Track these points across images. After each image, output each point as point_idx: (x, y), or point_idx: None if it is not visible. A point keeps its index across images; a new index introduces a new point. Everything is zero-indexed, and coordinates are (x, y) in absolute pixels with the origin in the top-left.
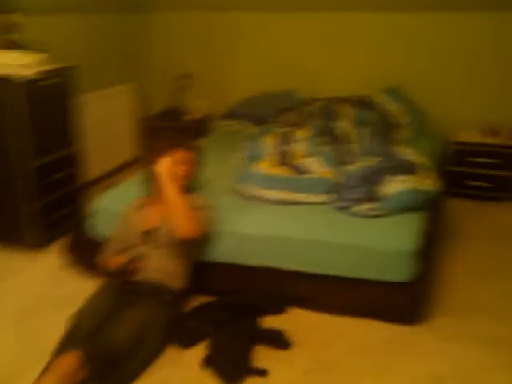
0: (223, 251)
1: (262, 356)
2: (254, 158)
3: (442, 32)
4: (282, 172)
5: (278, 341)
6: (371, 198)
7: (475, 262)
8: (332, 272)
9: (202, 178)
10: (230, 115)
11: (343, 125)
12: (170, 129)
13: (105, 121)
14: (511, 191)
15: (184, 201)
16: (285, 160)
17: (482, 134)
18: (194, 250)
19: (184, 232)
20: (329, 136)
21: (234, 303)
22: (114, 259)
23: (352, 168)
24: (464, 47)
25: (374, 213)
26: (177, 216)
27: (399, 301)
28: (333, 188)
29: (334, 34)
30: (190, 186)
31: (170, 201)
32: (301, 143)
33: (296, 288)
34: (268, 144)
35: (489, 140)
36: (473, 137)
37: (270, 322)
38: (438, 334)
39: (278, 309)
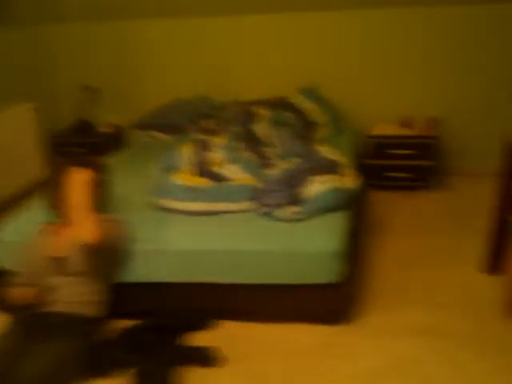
0: (143, 270)
1: (192, 377)
2: (171, 169)
3: (352, 29)
4: (200, 182)
5: (207, 359)
6: (294, 202)
7: (401, 253)
8: (259, 280)
9: (112, 196)
10: (143, 126)
11: (261, 128)
12: (81, 144)
13: (4, 143)
14: (429, 180)
15: (90, 209)
16: (203, 169)
17: (396, 126)
18: (108, 274)
19: (88, 237)
20: (247, 141)
21: (158, 325)
22: (19, 291)
23: (272, 172)
24: (375, 43)
25: (297, 216)
26: (81, 221)
27: (329, 302)
28: (254, 194)
29: (247, 36)
30: (98, 206)
31: (75, 206)
32: (219, 150)
33: (224, 300)
34: (184, 153)
35: (403, 132)
36: (388, 129)
37: (200, 339)
38: (370, 330)
39: (205, 324)
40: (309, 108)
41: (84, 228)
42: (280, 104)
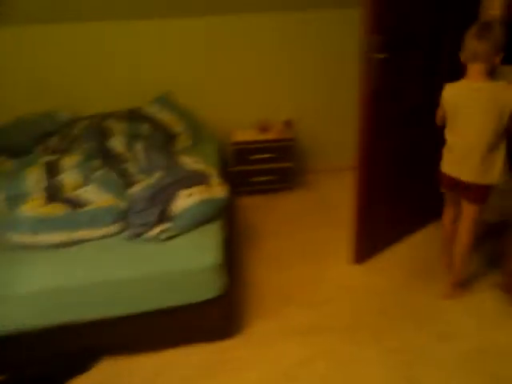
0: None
1: None
2: (17, 198)
3: (204, 36)
4: (54, 210)
5: None
6: (163, 219)
7: (276, 255)
8: (137, 309)
9: None
10: None
11: (117, 143)
12: None
13: None
14: (291, 181)
15: None
16: (56, 194)
17: (255, 131)
18: None
19: None
20: (103, 158)
21: (29, 378)
22: None
23: (135, 190)
24: (228, 50)
25: (168, 234)
26: None
27: (215, 317)
28: (119, 216)
29: (94, 46)
30: None
31: None
32: (71, 172)
33: (103, 337)
34: (31, 179)
35: (262, 136)
36: (248, 135)
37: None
38: (258, 339)
39: (84, 367)
40: (165, 118)
41: None
42: (134, 116)
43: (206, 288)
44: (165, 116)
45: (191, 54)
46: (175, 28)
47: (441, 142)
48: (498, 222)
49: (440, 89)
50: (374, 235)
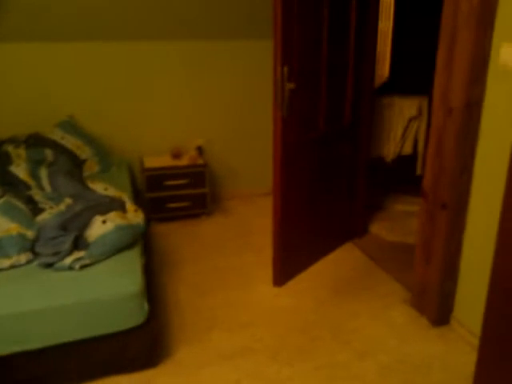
0: None
1: None
2: None
3: (115, 61)
4: None
5: None
6: (77, 247)
7: (197, 280)
8: (55, 341)
9: None
10: None
11: (21, 169)
12: None
13: None
14: (207, 206)
15: None
16: None
17: (168, 157)
18: None
19: None
20: (6, 185)
21: None
22: None
23: (44, 217)
24: (140, 74)
25: (82, 262)
26: None
27: (138, 346)
28: (27, 245)
29: None
30: None
31: None
32: None
33: (20, 371)
34: None
35: (175, 162)
36: (161, 161)
37: None
38: (183, 365)
39: None
40: (70, 143)
41: None
42: (37, 141)
43: (127, 316)
44: (69, 141)
45: (101, 79)
46: (85, 51)
47: (352, 165)
48: (402, 242)
49: (344, 115)
50: (293, 257)
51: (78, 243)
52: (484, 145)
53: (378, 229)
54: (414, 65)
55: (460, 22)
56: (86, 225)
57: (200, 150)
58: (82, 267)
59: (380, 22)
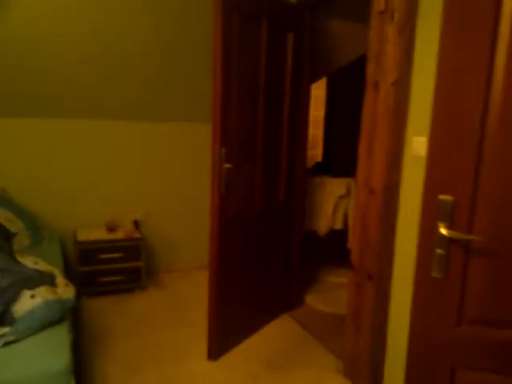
0: None
1: None
2: None
3: (48, 136)
4: None
5: None
6: (2, 323)
7: (129, 356)
8: None
9: None
10: None
11: None
12: None
13: None
14: (142, 280)
15: None
16: None
17: (103, 230)
18: None
19: None
20: None
21: None
22: None
23: None
24: (75, 149)
25: (6, 339)
26: None
27: None
28: None
29: None
30: None
31: None
32: None
33: None
34: None
35: (110, 236)
36: (95, 234)
37: None
38: None
39: None
40: (3, 216)
41: None
42: None
43: None
44: (0, 214)
45: (35, 152)
46: (18, 127)
47: (288, 239)
48: (336, 313)
49: (279, 192)
50: (228, 330)
51: (4, 319)
52: (403, 221)
53: (314, 300)
54: (344, 150)
55: (378, 119)
56: (13, 299)
57: (137, 224)
58: (6, 344)
59: (315, 111)
